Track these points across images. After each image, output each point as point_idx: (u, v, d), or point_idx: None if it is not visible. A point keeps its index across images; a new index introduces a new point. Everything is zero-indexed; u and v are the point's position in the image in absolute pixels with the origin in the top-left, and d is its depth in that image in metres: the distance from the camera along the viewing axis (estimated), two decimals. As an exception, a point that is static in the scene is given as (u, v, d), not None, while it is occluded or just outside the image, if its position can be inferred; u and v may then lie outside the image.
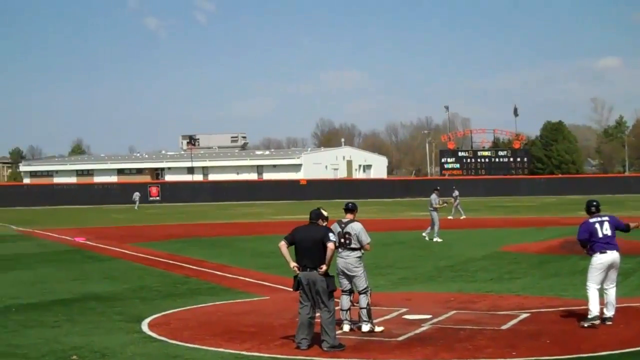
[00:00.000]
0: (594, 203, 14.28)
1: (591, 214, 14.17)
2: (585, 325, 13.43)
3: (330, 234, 12.15)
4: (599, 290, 13.75)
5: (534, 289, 18.35)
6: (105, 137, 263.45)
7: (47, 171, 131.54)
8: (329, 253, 12.00)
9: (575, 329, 13.27)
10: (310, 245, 12.08)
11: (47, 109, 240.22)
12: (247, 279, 21.16)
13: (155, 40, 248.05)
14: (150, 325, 14.33)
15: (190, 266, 24.21)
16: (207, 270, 23.23)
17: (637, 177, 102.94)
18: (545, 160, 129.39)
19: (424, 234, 32.14)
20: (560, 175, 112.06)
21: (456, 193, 50.52)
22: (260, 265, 24.33)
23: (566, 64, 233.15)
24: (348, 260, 13.33)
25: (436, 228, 31.50)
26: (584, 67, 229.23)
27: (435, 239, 31.02)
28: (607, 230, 13.86)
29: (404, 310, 15.22)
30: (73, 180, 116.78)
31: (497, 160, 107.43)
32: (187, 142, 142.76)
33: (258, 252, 28.79)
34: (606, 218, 14.05)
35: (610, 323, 13.64)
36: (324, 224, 12.61)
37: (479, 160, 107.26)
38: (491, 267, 22.92)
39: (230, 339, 12.93)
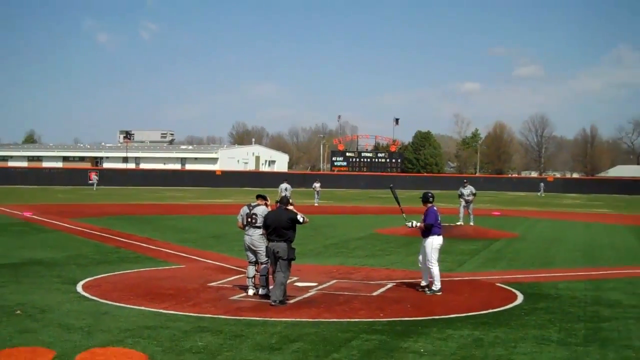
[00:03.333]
0: (431, 194, 14.31)
1: (430, 203, 14.14)
2: (429, 293, 13.67)
3: (298, 216, 12.65)
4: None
5: (400, 264, 18.62)
6: (55, 129, 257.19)
7: (3, 156, 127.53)
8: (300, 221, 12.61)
9: (430, 297, 13.52)
10: (277, 225, 12.52)
11: (5, 103, 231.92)
12: (168, 250, 20.83)
13: (103, 52, 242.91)
14: (84, 287, 13.98)
15: (121, 239, 23.69)
16: (134, 242, 22.77)
17: (486, 177, 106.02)
18: (414, 161, 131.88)
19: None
20: (425, 174, 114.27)
21: (316, 185, 51.55)
22: (179, 239, 24.03)
23: (436, 86, 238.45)
24: (253, 237, 13.43)
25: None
26: (450, 90, 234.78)
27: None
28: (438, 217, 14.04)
29: (295, 278, 15.21)
30: (25, 164, 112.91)
31: (376, 160, 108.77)
32: (124, 136, 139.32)
33: (178, 228, 28.43)
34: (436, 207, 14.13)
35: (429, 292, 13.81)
36: (290, 207, 12.94)
37: (362, 159, 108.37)
38: (367, 245, 23.18)
39: (151, 299, 12.73)
